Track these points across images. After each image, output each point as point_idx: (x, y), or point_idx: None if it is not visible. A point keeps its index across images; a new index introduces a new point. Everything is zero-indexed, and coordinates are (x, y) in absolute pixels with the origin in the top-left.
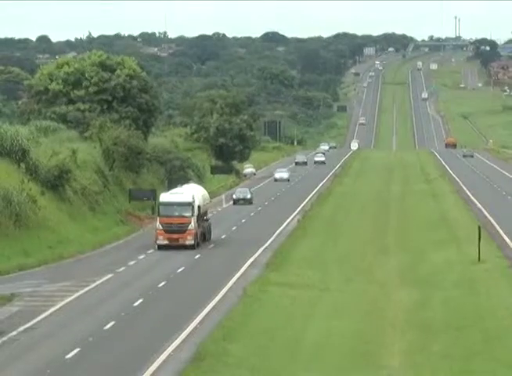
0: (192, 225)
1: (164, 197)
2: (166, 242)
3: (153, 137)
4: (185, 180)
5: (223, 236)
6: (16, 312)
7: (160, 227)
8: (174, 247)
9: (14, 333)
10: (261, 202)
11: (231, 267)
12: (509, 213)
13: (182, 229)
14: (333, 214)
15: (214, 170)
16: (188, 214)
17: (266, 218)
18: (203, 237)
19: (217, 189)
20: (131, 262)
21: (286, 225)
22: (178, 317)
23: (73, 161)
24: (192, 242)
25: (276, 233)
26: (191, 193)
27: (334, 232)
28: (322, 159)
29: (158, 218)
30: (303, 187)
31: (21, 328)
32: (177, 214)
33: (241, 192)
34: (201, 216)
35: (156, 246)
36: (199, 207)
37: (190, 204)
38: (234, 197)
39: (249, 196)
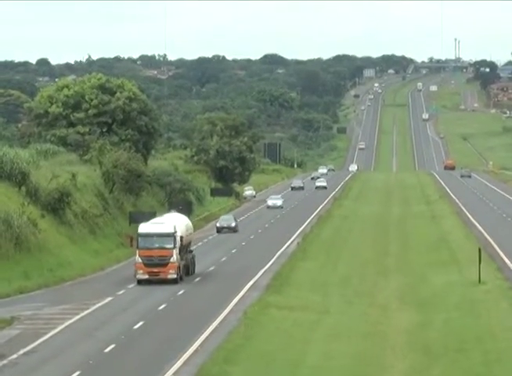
0: (175, 257)
1: (144, 227)
2: (146, 276)
3: (152, 159)
4: (185, 203)
5: (223, 260)
6: (16, 335)
7: (140, 260)
8: (154, 281)
9: (14, 356)
10: (261, 225)
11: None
12: (509, 235)
13: (163, 262)
14: (333, 236)
15: (214, 192)
16: (169, 246)
17: (267, 240)
18: (187, 271)
19: (218, 211)
20: (131, 285)
21: (286, 247)
22: (178, 340)
23: (74, 184)
24: (175, 276)
25: (276, 256)
26: (172, 222)
27: (334, 254)
28: (324, 184)
29: (137, 251)
30: (302, 210)
31: (21, 351)
32: (157, 246)
33: (225, 220)
34: (184, 247)
35: (136, 281)
36: (181, 237)
37: (172, 235)
38: (218, 225)
39: (233, 224)
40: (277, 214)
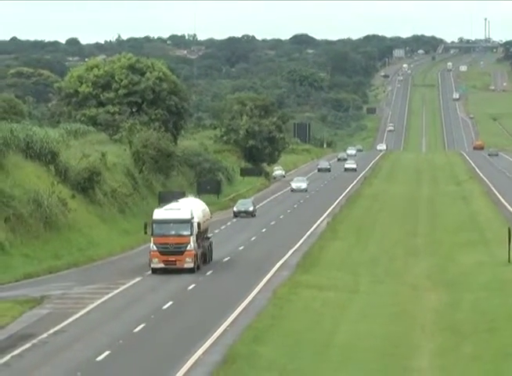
0: (192, 245)
1: (158, 213)
2: (161, 265)
3: (182, 139)
4: (214, 183)
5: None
6: (46, 314)
7: (155, 248)
8: (170, 271)
9: (44, 335)
10: (290, 205)
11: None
12: None
13: (179, 250)
14: (362, 216)
15: (244, 172)
16: (186, 232)
17: (296, 220)
18: (204, 259)
19: (247, 191)
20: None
21: (316, 227)
22: (207, 320)
23: (103, 164)
24: (192, 265)
25: (306, 236)
26: (189, 208)
27: (364, 234)
28: (354, 166)
29: (152, 238)
30: (331, 190)
31: (51, 331)
32: (173, 233)
33: (243, 204)
34: (201, 234)
35: (151, 270)
36: (198, 224)
37: (189, 221)
38: (235, 209)
39: (251, 208)
40: (306, 194)
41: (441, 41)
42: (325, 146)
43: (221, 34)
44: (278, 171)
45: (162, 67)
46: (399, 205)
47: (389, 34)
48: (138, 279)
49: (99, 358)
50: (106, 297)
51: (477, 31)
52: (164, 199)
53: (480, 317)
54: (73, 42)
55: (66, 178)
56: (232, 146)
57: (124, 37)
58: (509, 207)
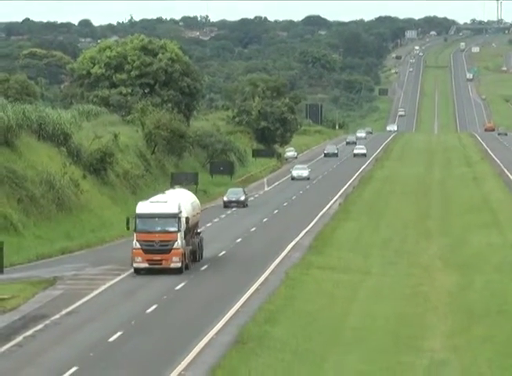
0: (179, 242)
1: (142, 206)
2: (145, 264)
3: (194, 120)
4: (226, 164)
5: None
6: (59, 295)
7: (138, 246)
8: (155, 271)
9: (57, 316)
10: (302, 186)
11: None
12: None
13: (165, 248)
14: (374, 197)
15: (256, 153)
16: (173, 228)
17: (308, 201)
18: (194, 257)
19: (259, 172)
20: None
21: (328, 208)
22: (219, 301)
23: (116, 145)
24: (179, 264)
25: (318, 217)
26: (177, 201)
27: (376, 215)
28: (363, 151)
29: (135, 234)
30: (343, 171)
31: (63, 311)
32: (159, 229)
33: (233, 193)
34: (190, 230)
35: (133, 269)
36: (187, 219)
37: (176, 216)
38: (225, 198)
39: (242, 197)
40: (319, 174)
41: (453, 22)
42: (337, 127)
43: (233, 16)
44: (290, 152)
45: (174, 48)
46: (411, 187)
47: (401, 16)
48: None
49: (112, 338)
50: (118, 278)
51: (490, 13)
52: (176, 180)
53: (492, 299)
54: (85, 24)
55: (79, 160)
56: (245, 127)
57: (137, 18)
58: None
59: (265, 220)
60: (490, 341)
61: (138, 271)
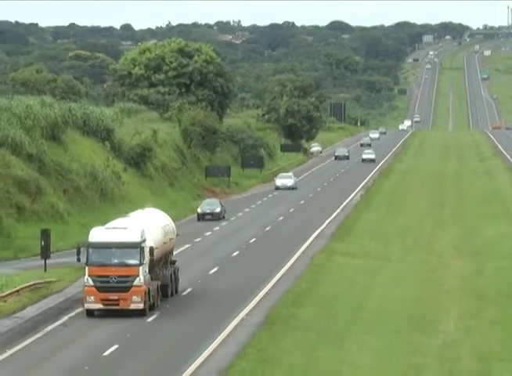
0: (141, 278)
1: (97, 233)
2: (99, 305)
3: (227, 118)
4: (256, 158)
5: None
6: None
7: (91, 282)
8: (111, 312)
9: None
10: (326, 178)
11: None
12: None
13: (123, 285)
14: (393, 189)
15: (284, 148)
16: (133, 261)
17: (331, 193)
18: (164, 292)
19: (287, 165)
20: (208, 233)
21: (351, 199)
22: (249, 284)
23: (154, 140)
24: (141, 305)
25: (341, 207)
26: (139, 227)
27: (395, 206)
28: (372, 156)
29: (86, 268)
30: (365, 166)
31: None
32: (116, 261)
33: (208, 204)
34: (158, 262)
35: (85, 311)
36: (151, 249)
37: (137, 246)
38: (199, 210)
39: (218, 209)
40: (342, 168)
41: (467, 27)
42: (359, 124)
43: (263, 21)
44: (315, 147)
45: (209, 51)
46: (428, 179)
47: (419, 21)
48: (186, 246)
49: (149, 319)
50: None
51: (501, 18)
52: (210, 172)
53: (502, 284)
54: (127, 28)
55: (120, 154)
56: (273, 124)
57: (174, 23)
58: None
59: (291, 210)
60: (500, 324)
61: (91, 313)
